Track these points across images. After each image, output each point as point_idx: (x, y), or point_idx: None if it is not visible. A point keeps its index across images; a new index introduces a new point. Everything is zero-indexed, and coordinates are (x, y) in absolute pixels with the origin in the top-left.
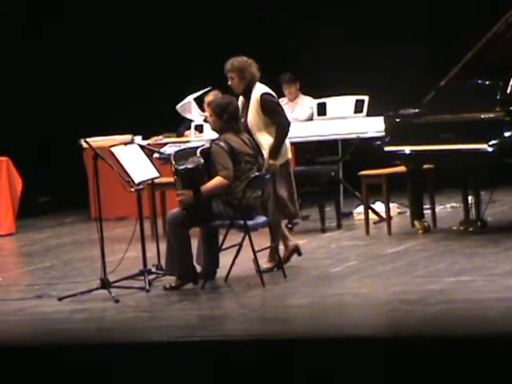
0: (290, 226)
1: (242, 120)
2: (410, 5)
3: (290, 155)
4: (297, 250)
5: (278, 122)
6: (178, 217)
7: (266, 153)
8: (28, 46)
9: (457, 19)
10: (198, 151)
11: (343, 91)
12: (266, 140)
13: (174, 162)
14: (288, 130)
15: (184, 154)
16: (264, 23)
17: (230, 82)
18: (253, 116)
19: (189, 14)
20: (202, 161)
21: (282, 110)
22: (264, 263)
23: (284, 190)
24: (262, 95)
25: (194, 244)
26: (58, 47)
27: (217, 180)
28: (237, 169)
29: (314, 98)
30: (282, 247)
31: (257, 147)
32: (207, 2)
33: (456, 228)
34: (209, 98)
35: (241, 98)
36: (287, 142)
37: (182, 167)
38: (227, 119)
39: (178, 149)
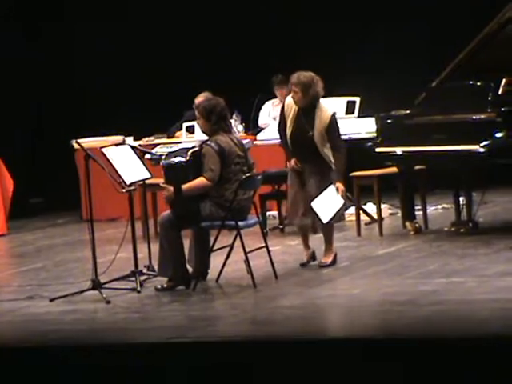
0: (281, 226)
1: (306, 134)
2: (404, 6)
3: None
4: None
5: (337, 143)
6: (170, 219)
7: (331, 162)
8: (26, 47)
9: (451, 20)
10: (190, 151)
11: (334, 92)
12: (328, 151)
13: (163, 158)
14: (340, 152)
15: (177, 155)
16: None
17: (292, 95)
18: (318, 134)
19: (182, 14)
20: (187, 159)
21: (340, 133)
22: (322, 259)
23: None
24: (332, 115)
25: (186, 245)
26: (50, 48)
27: (199, 180)
28: (227, 171)
29: None
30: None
31: (245, 149)
32: (202, 2)
33: (447, 229)
34: (197, 101)
35: (290, 106)
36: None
37: (165, 162)
38: (215, 121)
39: (169, 149)
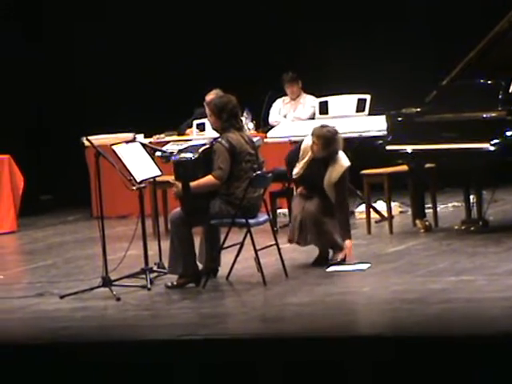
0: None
1: (320, 178)
2: (413, 3)
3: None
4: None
5: (341, 197)
6: (181, 216)
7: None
8: (29, 45)
9: (460, 18)
10: (201, 149)
11: (345, 90)
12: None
13: (174, 155)
14: (348, 209)
15: (187, 152)
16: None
17: (311, 144)
18: (328, 185)
19: (191, 13)
20: (197, 156)
21: (346, 190)
22: (332, 255)
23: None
24: (345, 170)
25: (197, 243)
26: (60, 45)
27: (207, 178)
28: (238, 168)
29: (316, 96)
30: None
31: (256, 147)
32: (208, 2)
33: (458, 227)
34: (208, 98)
35: (307, 145)
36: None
37: (174, 158)
38: (226, 118)
39: (179, 147)
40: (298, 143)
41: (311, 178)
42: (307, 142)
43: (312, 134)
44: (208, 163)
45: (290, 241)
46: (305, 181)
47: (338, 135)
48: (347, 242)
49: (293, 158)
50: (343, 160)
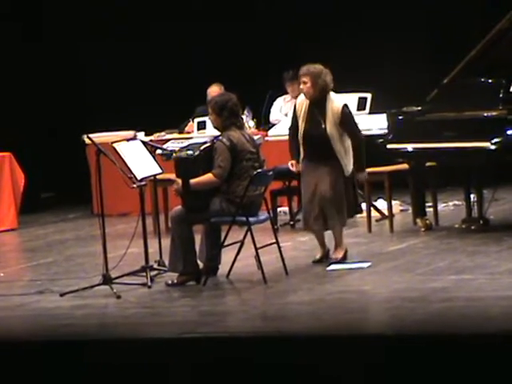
0: (291, 222)
1: (318, 127)
2: (414, 2)
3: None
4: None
5: (354, 134)
6: (182, 214)
7: (343, 160)
8: (30, 44)
9: (461, 16)
10: (202, 147)
11: (346, 88)
12: (343, 148)
13: (176, 152)
14: (361, 144)
15: (189, 149)
16: (267, 20)
17: (301, 86)
18: (332, 127)
19: (192, 11)
20: (197, 153)
21: (357, 124)
22: (333, 254)
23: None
24: (343, 107)
25: (197, 241)
26: (60, 44)
27: (207, 176)
28: (239, 167)
29: None
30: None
31: (257, 145)
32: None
33: (458, 226)
34: (213, 91)
35: (302, 102)
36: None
37: (175, 155)
38: (227, 116)
39: (180, 145)
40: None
41: (314, 131)
42: (301, 97)
43: (300, 76)
44: (209, 161)
45: (308, 229)
46: (309, 146)
47: (325, 70)
48: (360, 175)
49: (294, 121)
50: (336, 100)
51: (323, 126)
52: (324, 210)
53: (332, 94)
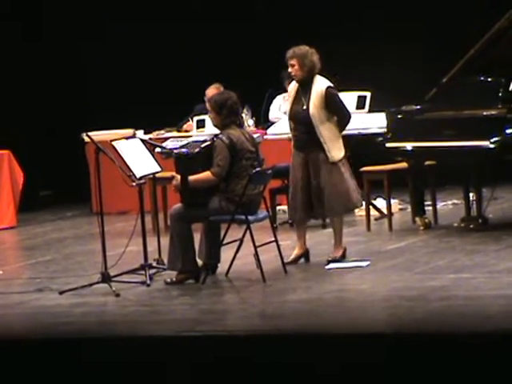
0: (290, 221)
1: (302, 109)
2: (415, 2)
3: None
4: (306, 254)
5: (341, 114)
6: (181, 212)
7: (326, 145)
8: (29, 43)
9: (460, 15)
10: (203, 145)
11: (345, 87)
12: (327, 132)
13: (176, 149)
14: (349, 122)
15: (189, 147)
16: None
17: (290, 69)
18: (315, 108)
19: (191, 10)
20: (197, 150)
21: (343, 102)
22: (332, 253)
23: (348, 182)
24: (327, 89)
25: (197, 239)
26: (59, 42)
27: (205, 174)
28: (238, 166)
29: None
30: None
31: (256, 144)
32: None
33: (457, 225)
34: (211, 91)
35: (293, 86)
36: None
37: (176, 151)
38: (227, 114)
39: (179, 143)
40: None
41: (299, 112)
42: (292, 83)
43: (287, 59)
44: (208, 159)
45: (293, 222)
46: (295, 129)
47: (311, 50)
48: None
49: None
50: (321, 82)
51: (304, 107)
52: (321, 201)
53: (318, 77)
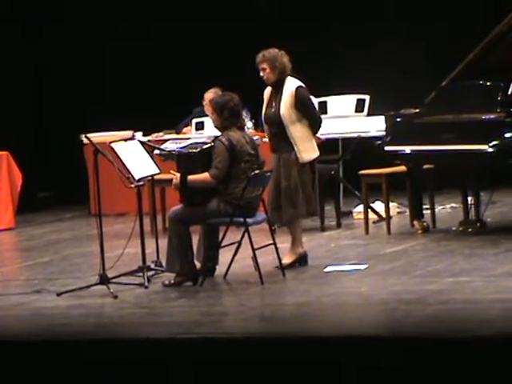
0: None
1: (273, 110)
2: (413, 4)
3: (318, 153)
4: (304, 257)
5: (309, 116)
6: (180, 214)
7: (296, 146)
8: (28, 44)
9: (459, 19)
10: (205, 146)
11: (344, 90)
12: (297, 133)
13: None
14: (320, 125)
15: (189, 149)
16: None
17: (261, 74)
18: (286, 109)
19: (190, 12)
20: (199, 150)
21: (314, 105)
22: (285, 258)
23: (310, 187)
24: (297, 88)
25: (195, 241)
26: (59, 45)
27: (203, 175)
28: (237, 168)
29: (316, 96)
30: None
31: (256, 147)
32: (208, 2)
33: (455, 228)
34: (209, 96)
35: (268, 90)
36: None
37: (176, 150)
38: (227, 116)
39: (178, 145)
40: None
41: (271, 114)
42: (269, 88)
43: (257, 64)
44: (209, 160)
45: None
46: (269, 131)
47: (280, 52)
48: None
49: None
50: (292, 83)
51: (276, 108)
52: (281, 202)
53: (290, 78)
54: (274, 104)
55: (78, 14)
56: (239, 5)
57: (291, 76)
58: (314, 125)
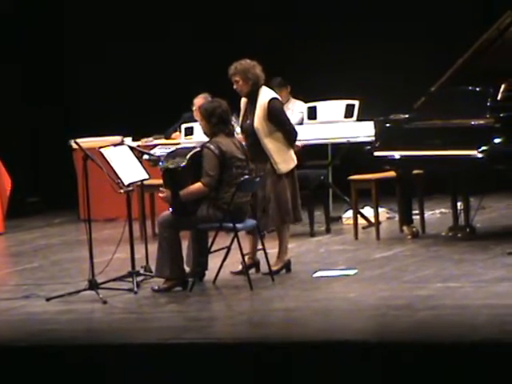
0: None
1: (248, 122)
2: (403, 10)
3: (295, 162)
4: (289, 265)
5: (283, 129)
6: (169, 219)
7: (272, 158)
8: (18, 47)
9: (451, 24)
10: (189, 155)
11: (334, 95)
12: (272, 145)
13: (161, 160)
14: (295, 137)
15: (176, 155)
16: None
17: (235, 86)
18: (259, 121)
19: (181, 16)
20: (185, 163)
21: (287, 117)
22: (272, 264)
23: (288, 197)
24: (269, 101)
25: (185, 246)
26: (48, 48)
27: (196, 186)
28: (228, 174)
29: (305, 102)
30: (272, 250)
31: (247, 152)
32: (199, 6)
33: (445, 234)
34: (198, 102)
35: (244, 100)
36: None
37: (162, 165)
38: (216, 122)
39: (167, 150)
40: None
41: (247, 127)
42: (243, 99)
43: (230, 76)
44: (197, 168)
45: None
46: (247, 143)
47: (252, 63)
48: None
49: None
50: (265, 94)
51: (251, 120)
52: (266, 212)
53: (264, 88)
54: (248, 116)
55: (71, 17)
56: (233, 7)
57: (266, 86)
58: (289, 138)
